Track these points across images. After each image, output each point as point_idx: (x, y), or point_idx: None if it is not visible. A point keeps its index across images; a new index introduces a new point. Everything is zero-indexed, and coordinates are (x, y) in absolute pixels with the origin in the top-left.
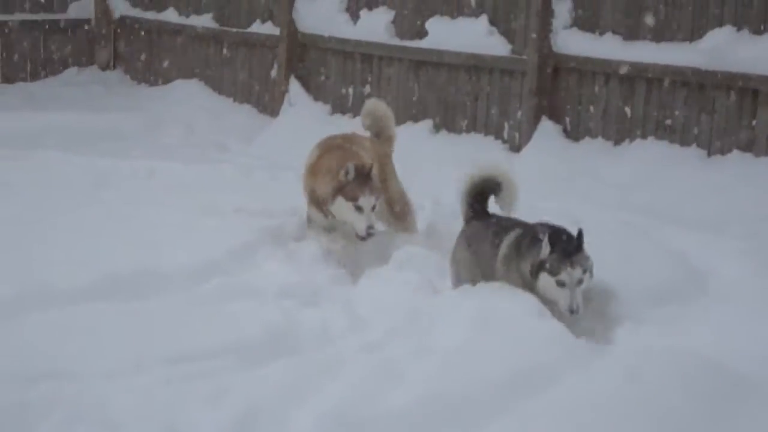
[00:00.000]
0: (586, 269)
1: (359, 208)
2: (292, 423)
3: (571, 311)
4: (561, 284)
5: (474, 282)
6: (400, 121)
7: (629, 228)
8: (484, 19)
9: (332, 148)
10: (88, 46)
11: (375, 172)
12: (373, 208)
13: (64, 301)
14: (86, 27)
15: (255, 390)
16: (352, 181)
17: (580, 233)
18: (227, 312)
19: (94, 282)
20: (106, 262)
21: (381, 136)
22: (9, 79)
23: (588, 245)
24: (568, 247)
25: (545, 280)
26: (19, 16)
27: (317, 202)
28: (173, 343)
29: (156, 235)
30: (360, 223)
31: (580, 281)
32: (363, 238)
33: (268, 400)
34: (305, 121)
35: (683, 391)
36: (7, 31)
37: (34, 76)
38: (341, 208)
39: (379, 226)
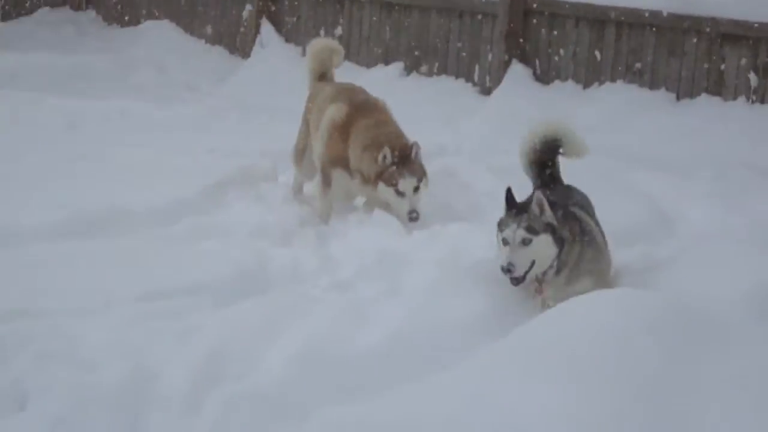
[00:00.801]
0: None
1: (400, 193)
2: (262, 361)
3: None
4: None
5: None
6: (371, 64)
7: (597, 170)
8: None
9: (360, 106)
10: None
11: (417, 150)
12: (416, 189)
13: (34, 238)
14: None
15: (225, 329)
16: (390, 165)
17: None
18: (198, 251)
19: (64, 220)
20: (77, 201)
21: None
22: None
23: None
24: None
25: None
26: None
27: (345, 164)
28: (144, 282)
29: (127, 175)
30: (402, 208)
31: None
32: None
33: (238, 339)
34: (276, 63)
35: (648, 332)
36: None
37: (6, 17)
38: (383, 192)
39: None
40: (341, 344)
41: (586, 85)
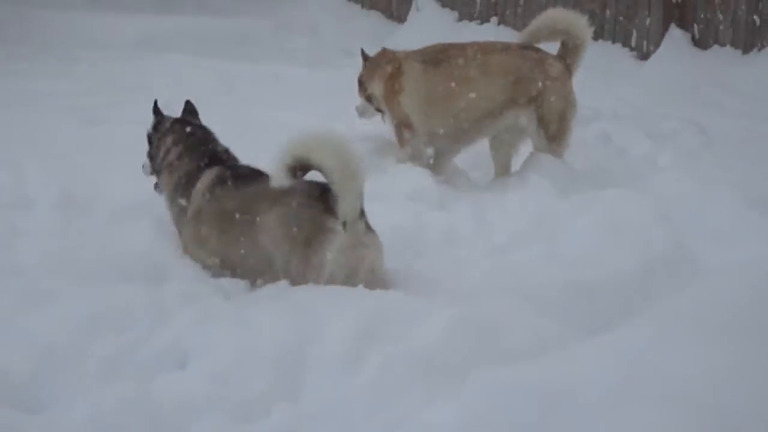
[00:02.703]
0: None
1: None
2: (420, 323)
3: None
4: None
5: None
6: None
7: (755, 136)
8: None
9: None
10: None
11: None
12: None
13: None
14: None
15: (384, 291)
16: None
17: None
18: None
19: None
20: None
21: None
22: None
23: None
24: None
25: None
26: None
27: None
28: None
29: (282, 138)
30: None
31: None
32: None
33: (396, 301)
34: (432, 28)
35: None
36: None
37: None
38: None
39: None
40: (497, 308)
41: (746, 50)
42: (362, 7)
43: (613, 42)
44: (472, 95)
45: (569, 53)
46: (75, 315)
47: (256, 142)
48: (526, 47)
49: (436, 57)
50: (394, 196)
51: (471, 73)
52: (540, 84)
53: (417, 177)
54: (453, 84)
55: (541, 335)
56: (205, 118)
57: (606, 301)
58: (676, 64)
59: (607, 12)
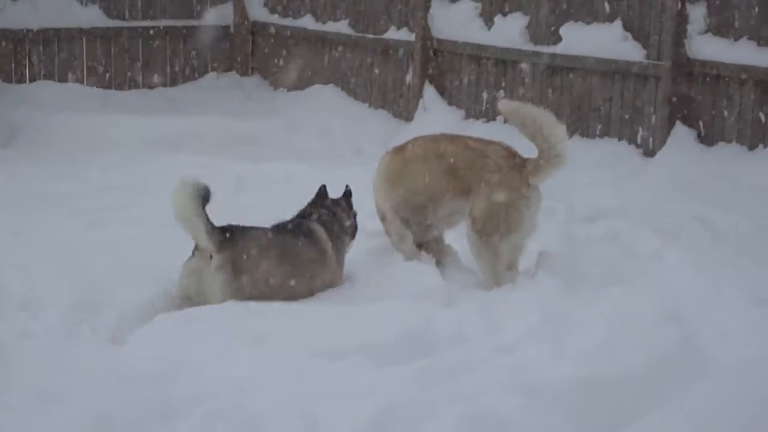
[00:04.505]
0: None
1: None
2: (429, 423)
3: None
4: None
5: None
6: None
7: (763, 233)
8: (618, 25)
9: None
10: (226, 52)
11: None
12: None
13: None
14: (225, 33)
15: (394, 389)
16: None
17: None
18: (367, 312)
19: None
20: None
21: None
22: (149, 84)
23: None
24: None
25: None
26: (161, 22)
27: None
28: (314, 339)
29: None
30: None
31: None
32: None
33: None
34: (439, 126)
35: None
36: (148, 36)
37: (174, 81)
38: None
39: None
40: (508, 407)
41: (752, 147)
42: (369, 106)
43: (619, 139)
44: (420, 181)
45: (541, 156)
46: (85, 416)
47: None
48: (493, 143)
49: (405, 145)
50: (402, 295)
51: (422, 160)
52: (476, 177)
53: (425, 275)
54: (406, 169)
55: None
56: (216, 220)
57: (615, 399)
58: (682, 160)
59: (613, 109)
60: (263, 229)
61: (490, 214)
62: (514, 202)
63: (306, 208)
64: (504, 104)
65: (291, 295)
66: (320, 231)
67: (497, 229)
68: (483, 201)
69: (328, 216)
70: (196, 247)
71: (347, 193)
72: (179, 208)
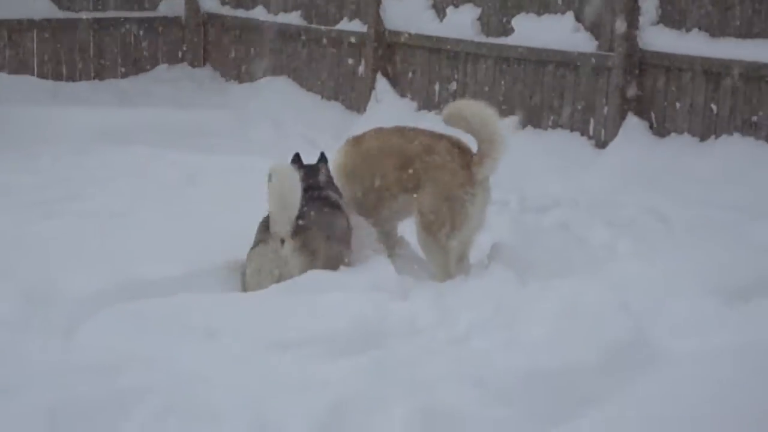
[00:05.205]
0: None
1: None
2: (382, 415)
3: None
4: None
5: None
6: None
7: (715, 224)
8: (570, 16)
9: None
10: (178, 44)
11: None
12: None
13: (152, 292)
14: (176, 24)
15: (346, 381)
16: None
17: None
18: (319, 303)
19: (185, 274)
20: (197, 254)
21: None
22: (101, 76)
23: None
24: None
25: None
26: (112, 13)
27: None
28: (268, 332)
29: (248, 229)
30: None
31: None
32: None
33: (358, 392)
34: (392, 118)
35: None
36: (98, 27)
37: (125, 74)
38: None
39: None
40: (460, 398)
41: (703, 138)
42: (322, 98)
43: (572, 131)
44: (373, 175)
45: (481, 147)
46: (35, 409)
47: (228, 230)
48: (445, 137)
49: (361, 137)
50: (355, 287)
51: (375, 154)
52: (423, 173)
53: (379, 267)
54: (360, 162)
55: (502, 427)
56: (168, 211)
57: (567, 390)
58: (634, 151)
59: (565, 101)
60: (317, 209)
61: (436, 211)
62: (459, 199)
63: (313, 178)
64: (443, 116)
65: (344, 265)
66: (340, 201)
67: (444, 226)
68: (429, 198)
69: (333, 185)
70: (261, 235)
71: (324, 159)
72: (284, 193)
